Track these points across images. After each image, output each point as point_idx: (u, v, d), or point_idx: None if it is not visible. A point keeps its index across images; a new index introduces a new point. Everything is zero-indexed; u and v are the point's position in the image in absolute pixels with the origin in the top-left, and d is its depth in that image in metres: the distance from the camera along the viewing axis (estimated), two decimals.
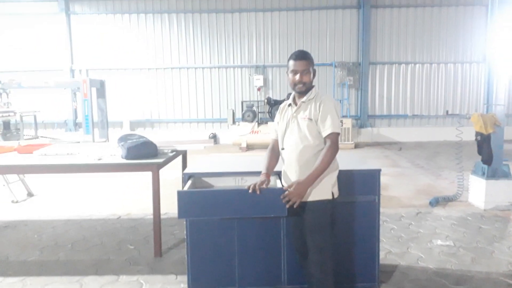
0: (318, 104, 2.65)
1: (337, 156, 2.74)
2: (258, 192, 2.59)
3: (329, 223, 2.69)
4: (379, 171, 3.07)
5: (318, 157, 2.59)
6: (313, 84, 2.76)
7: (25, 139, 9.64)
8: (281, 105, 2.92)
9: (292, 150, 2.71)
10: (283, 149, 2.80)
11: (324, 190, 2.64)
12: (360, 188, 3.07)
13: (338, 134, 2.62)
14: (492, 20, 6.53)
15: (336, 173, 2.73)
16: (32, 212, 5.67)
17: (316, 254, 2.72)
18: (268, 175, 2.76)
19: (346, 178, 2.96)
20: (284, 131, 2.78)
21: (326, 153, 2.56)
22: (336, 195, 2.70)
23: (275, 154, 2.88)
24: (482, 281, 3.44)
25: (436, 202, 5.64)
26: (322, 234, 2.69)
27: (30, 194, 6.52)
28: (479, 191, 5.50)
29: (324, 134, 2.61)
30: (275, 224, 3.09)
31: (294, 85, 2.70)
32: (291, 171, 2.74)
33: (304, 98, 2.71)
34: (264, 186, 2.65)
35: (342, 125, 11.58)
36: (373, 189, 3.06)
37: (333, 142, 2.59)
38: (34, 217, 5.43)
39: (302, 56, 2.67)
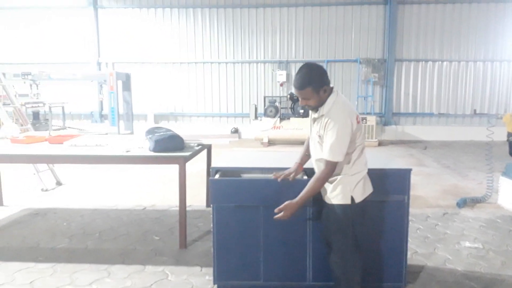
0: (326, 122, 2.54)
1: (365, 155, 2.72)
2: (290, 178, 2.78)
3: (349, 227, 2.67)
4: (409, 170, 3.02)
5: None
6: (333, 90, 2.59)
7: (54, 130, 9.92)
8: None
9: (312, 157, 2.78)
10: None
11: (342, 195, 2.63)
12: (390, 188, 3.01)
13: (335, 162, 2.52)
14: None
15: (356, 178, 2.64)
16: (61, 201, 5.83)
17: (336, 256, 2.76)
18: (300, 165, 2.91)
19: (375, 177, 2.92)
20: (310, 135, 2.82)
21: (318, 178, 2.57)
22: (358, 200, 2.64)
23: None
24: None
25: (463, 203, 5.51)
26: (342, 238, 2.70)
27: (58, 183, 6.70)
28: (510, 193, 5.34)
29: (323, 156, 2.56)
30: (301, 220, 3.08)
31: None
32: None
33: (316, 114, 2.64)
34: (291, 177, 2.83)
35: (366, 123, 11.43)
36: (403, 189, 3.01)
37: (327, 168, 2.54)
38: (63, 206, 5.58)
39: (298, 86, 2.54)
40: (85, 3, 13.56)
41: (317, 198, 2.76)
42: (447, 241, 4.31)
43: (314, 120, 2.68)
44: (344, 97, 2.66)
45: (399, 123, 13.40)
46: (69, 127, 11.61)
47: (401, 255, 3.11)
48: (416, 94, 13.39)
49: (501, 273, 3.58)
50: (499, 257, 3.90)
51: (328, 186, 2.68)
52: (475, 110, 13.09)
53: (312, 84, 2.51)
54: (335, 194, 2.64)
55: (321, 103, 2.57)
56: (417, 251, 4.02)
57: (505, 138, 5.42)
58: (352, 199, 2.62)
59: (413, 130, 13.26)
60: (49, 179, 6.66)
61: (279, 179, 2.78)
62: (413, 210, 5.23)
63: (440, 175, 7.62)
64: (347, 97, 2.87)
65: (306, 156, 2.92)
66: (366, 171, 2.71)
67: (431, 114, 13.38)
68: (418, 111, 13.43)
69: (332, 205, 2.68)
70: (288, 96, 12.36)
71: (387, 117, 13.28)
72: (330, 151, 2.49)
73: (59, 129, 10.66)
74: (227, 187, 2.95)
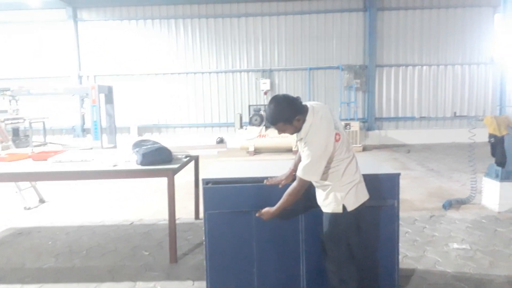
0: (304, 144, 2.61)
1: (355, 165, 2.75)
2: (280, 186, 2.90)
3: (342, 236, 2.70)
4: (398, 175, 3.06)
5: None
6: (308, 113, 2.60)
7: (35, 146, 9.71)
8: None
9: None
10: None
11: (334, 203, 2.65)
12: (380, 192, 3.04)
13: (307, 180, 2.61)
14: (503, 22, 6.49)
15: (347, 187, 2.64)
16: (45, 219, 5.69)
17: (332, 264, 2.78)
18: (293, 171, 2.97)
19: (365, 183, 2.95)
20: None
21: (289, 193, 2.69)
22: (350, 208, 2.64)
23: None
24: (502, 285, 3.41)
25: (449, 205, 5.60)
26: (335, 246, 2.73)
27: (41, 201, 6.55)
28: (493, 194, 5.45)
29: (297, 172, 2.65)
30: (294, 228, 3.08)
31: None
32: None
33: (297, 138, 2.71)
34: (281, 184, 2.93)
35: (349, 128, 11.58)
36: (393, 193, 3.05)
37: (299, 184, 2.64)
38: (47, 224, 5.44)
39: (270, 122, 2.66)
40: (65, 16, 13.42)
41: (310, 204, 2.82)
42: (435, 243, 4.36)
43: (296, 140, 2.76)
44: (322, 111, 2.63)
45: (382, 127, 13.59)
46: (50, 143, 11.39)
47: (393, 259, 3.14)
48: (397, 98, 13.62)
49: (490, 273, 3.64)
50: (487, 257, 3.97)
51: (320, 194, 2.70)
52: (455, 113, 13.39)
53: (282, 119, 2.58)
54: (327, 203, 2.67)
55: (298, 129, 2.63)
56: (407, 255, 4.06)
57: (486, 139, 5.55)
58: (344, 207, 2.63)
59: (396, 134, 13.46)
60: (32, 196, 6.51)
61: (268, 184, 2.96)
62: (401, 214, 5.24)
63: (425, 178, 7.74)
64: (330, 104, 2.91)
65: (298, 162, 2.95)
66: (359, 179, 2.72)
67: (412, 118, 13.61)
68: (400, 115, 13.65)
69: (325, 213, 2.71)
70: None
71: (370, 122, 13.45)
72: (303, 170, 2.59)
73: (40, 145, 10.44)
74: (220, 194, 3.05)
